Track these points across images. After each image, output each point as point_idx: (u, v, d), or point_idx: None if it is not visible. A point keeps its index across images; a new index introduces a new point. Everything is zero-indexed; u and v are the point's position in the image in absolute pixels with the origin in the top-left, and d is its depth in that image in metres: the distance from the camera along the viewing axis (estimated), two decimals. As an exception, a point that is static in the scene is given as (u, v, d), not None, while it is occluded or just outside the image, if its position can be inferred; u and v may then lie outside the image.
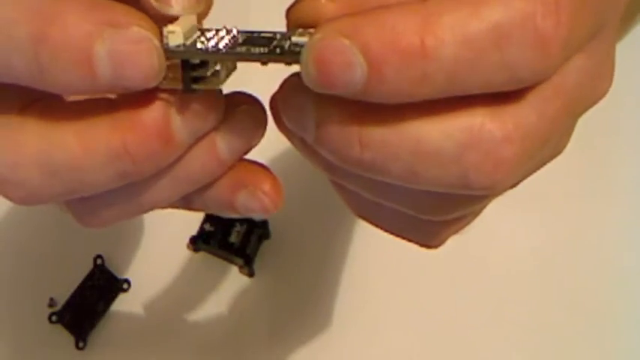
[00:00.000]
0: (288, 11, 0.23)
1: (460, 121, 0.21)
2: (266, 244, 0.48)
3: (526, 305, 0.47)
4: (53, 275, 0.47)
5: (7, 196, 0.23)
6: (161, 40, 0.21)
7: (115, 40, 0.20)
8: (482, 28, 0.19)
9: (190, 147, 0.23)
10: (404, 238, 0.26)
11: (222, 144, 0.24)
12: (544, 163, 0.24)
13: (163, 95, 0.22)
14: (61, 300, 0.46)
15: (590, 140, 0.48)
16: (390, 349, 0.46)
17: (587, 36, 0.22)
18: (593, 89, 0.24)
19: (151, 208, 0.25)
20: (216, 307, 0.47)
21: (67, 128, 0.22)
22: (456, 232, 0.26)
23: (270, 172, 0.25)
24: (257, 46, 0.22)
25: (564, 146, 0.24)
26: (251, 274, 0.47)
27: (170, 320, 0.46)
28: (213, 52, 0.22)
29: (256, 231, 0.47)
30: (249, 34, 0.22)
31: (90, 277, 0.46)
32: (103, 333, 0.46)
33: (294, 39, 0.21)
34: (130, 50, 0.20)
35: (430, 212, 0.24)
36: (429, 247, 0.26)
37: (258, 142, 0.25)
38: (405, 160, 0.21)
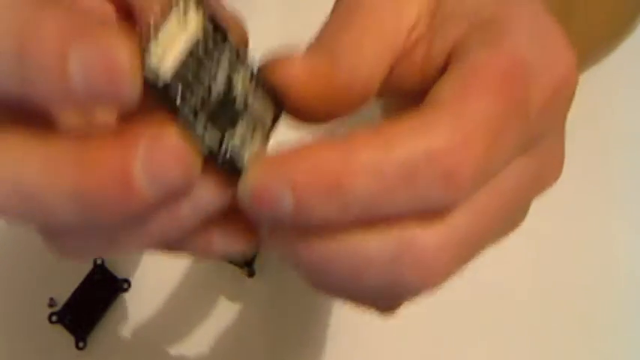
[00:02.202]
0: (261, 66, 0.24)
1: (394, 234, 0.22)
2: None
3: (526, 306, 0.47)
4: (53, 275, 0.47)
5: None
6: (142, 53, 0.21)
7: (86, 51, 0.20)
8: (392, 165, 0.21)
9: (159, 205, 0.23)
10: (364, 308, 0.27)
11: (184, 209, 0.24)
12: (487, 247, 0.25)
13: (131, 139, 0.21)
14: (61, 300, 0.46)
15: (590, 140, 0.48)
16: (392, 349, 0.46)
17: (514, 154, 0.23)
18: (538, 184, 0.25)
19: (123, 251, 0.25)
20: (216, 307, 0.46)
21: (36, 155, 0.22)
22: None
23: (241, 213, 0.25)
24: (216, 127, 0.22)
25: (516, 227, 0.26)
26: (251, 274, 0.47)
27: (170, 320, 0.46)
28: (181, 110, 0.22)
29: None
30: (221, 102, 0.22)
31: (90, 277, 0.46)
32: (103, 333, 0.46)
33: (233, 145, 0.23)
34: (101, 63, 0.20)
35: (373, 304, 0.26)
36: (384, 313, 0.27)
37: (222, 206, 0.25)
38: (347, 269, 0.23)
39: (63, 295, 0.46)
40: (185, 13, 0.22)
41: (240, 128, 0.23)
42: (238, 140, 0.23)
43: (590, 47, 0.42)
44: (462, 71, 0.23)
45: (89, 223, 0.23)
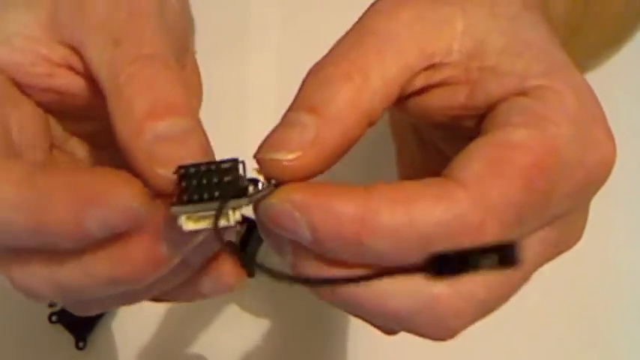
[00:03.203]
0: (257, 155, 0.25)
1: (418, 288, 0.23)
2: (266, 244, 0.48)
3: (525, 304, 0.47)
4: (53, 275, 0.47)
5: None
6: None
7: (99, 215, 0.22)
8: (410, 233, 0.22)
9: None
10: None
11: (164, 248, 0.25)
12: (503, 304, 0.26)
13: (151, 224, 0.24)
14: (61, 300, 0.46)
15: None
16: (393, 349, 0.46)
17: (531, 232, 0.24)
18: (556, 249, 0.26)
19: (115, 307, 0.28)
20: (216, 307, 0.46)
21: (71, 262, 0.24)
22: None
23: (226, 254, 0.27)
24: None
25: (527, 282, 0.26)
26: (251, 274, 0.47)
27: (170, 320, 0.46)
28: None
29: (256, 231, 0.47)
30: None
31: (90, 277, 0.46)
32: (103, 333, 0.46)
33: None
34: (116, 218, 0.23)
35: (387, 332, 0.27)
36: (387, 334, 0.28)
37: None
38: (368, 309, 0.24)
39: (63, 295, 0.46)
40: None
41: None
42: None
43: (595, 54, 0.42)
44: (495, 145, 0.23)
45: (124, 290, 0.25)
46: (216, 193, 0.23)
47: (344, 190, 0.23)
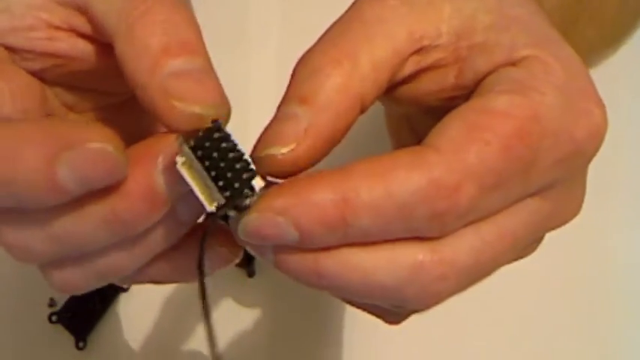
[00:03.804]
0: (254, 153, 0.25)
1: (402, 258, 0.23)
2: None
3: (525, 302, 0.47)
4: (53, 275, 0.46)
5: (9, 253, 0.25)
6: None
7: (72, 161, 0.22)
8: (389, 205, 0.22)
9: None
10: (373, 315, 0.28)
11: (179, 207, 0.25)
12: (494, 272, 0.26)
13: (148, 156, 0.23)
14: (61, 300, 0.46)
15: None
16: (393, 348, 0.46)
17: (513, 200, 0.24)
18: (552, 222, 0.26)
19: (112, 277, 0.27)
20: (216, 307, 0.46)
21: (63, 205, 0.23)
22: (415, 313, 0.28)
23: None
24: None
25: (528, 254, 0.26)
26: (251, 274, 0.47)
27: (170, 320, 0.46)
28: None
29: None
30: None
31: (90, 277, 0.46)
32: (103, 333, 0.46)
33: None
34: (89, 165, 0.22)
35: (380, 316, 0.28)
36: (392, 324, 0.28)
37: None
38: (356, 287, 0.24)
39: (63, 295, 0.46)
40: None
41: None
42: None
43: (593, 50, 0.42)
44: (475, 112, 0.23)
45: (119, 239, 0.25)
46: (221, 183, 0.23)
47: (320, 177, 0.23)
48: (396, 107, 0.29)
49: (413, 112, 0.29)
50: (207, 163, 0.22)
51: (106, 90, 0.29)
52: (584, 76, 0.25)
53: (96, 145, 0.22)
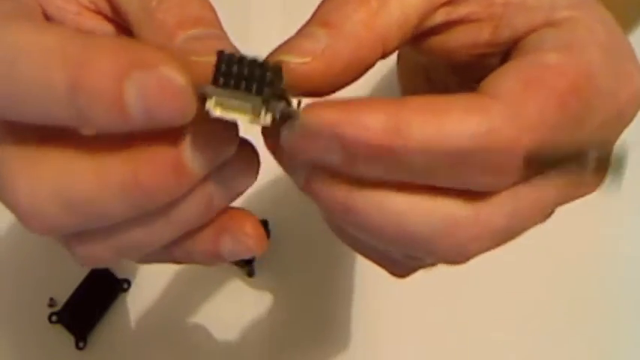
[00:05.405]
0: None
1: (441, 210, 0.22)
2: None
3: (525, 299, 0.47)
4: (53, 275, 0.47)
5: (24, 225, 0.23)
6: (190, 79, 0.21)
7: (143, 82, 0.20)
8: (444, 145, 0.21)
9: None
10: (378, 265, 0.28)
11: (213, 189, 0.24)
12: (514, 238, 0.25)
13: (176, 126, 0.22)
14: (61, 300, 0.46)
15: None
16: (393, 348, 0.46)
17: (560, 160, 0.23)
18: (574, 192, 0.25)
19: (138, 253, 0.25)
20: (216, 307, 0.46)
21: (82, 161, 0.22)
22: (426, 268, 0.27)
23: (249, 213, 0.26)
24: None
25: (540, 223, 0.25)
26: (251, 274, 0.47)
27: (170, 320, 0.46)
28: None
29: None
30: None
31: (90, 277, 0.46)
32: (103, 333, 0.46)
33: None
34: (158, 91, 0.21)
35: (390, 266, 0.27)
36: (397, 276, 0.28)
37: (249, 187, 0.25)
38: (384, 230, 0.23)
39: (63, 295, 0.46)
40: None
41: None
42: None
43: None
44: (530, 67, 0.23)
45: (141, 212, 0.23)
46: (255, 87, 0.21)
47: (374, 102, 0.21)
48: (423, 57, 0.28)
49: (436, 64, 0.28)
50: (232, 82, 0.21)
51: None
52: (623, 38, 0.25)
53: (168, 71, 0.21)
